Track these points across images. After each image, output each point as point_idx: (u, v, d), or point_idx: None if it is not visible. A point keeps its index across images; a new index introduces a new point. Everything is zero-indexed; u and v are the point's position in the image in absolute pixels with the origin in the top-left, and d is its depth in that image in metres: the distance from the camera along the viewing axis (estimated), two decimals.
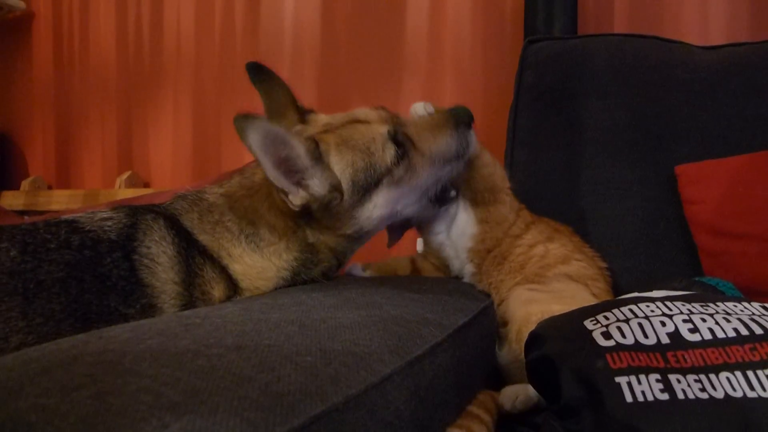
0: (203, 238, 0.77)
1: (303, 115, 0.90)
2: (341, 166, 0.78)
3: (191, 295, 0.72)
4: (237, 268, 0.77)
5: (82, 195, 2.16)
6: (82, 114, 2.47)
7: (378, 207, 0.81)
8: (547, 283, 0.89)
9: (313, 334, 0.52)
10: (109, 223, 0.73)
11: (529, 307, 0.84)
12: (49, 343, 0.48)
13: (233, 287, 0.77)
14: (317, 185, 0.76)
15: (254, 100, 2.21)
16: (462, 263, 1.00)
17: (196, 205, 0.80)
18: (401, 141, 0.82)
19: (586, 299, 0.86)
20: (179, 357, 0.43)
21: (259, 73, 0.92)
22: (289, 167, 0.75)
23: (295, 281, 0.81)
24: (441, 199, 0.93)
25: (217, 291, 0.75)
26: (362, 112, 0.86)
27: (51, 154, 2.58)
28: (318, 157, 0.76)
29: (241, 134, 0.68)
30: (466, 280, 1.00)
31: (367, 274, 1.02)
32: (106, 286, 0.66)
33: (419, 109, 0.93)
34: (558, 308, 0.79)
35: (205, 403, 0.37)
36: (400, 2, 1.75)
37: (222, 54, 2.09)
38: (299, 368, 0.44)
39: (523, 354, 0.78)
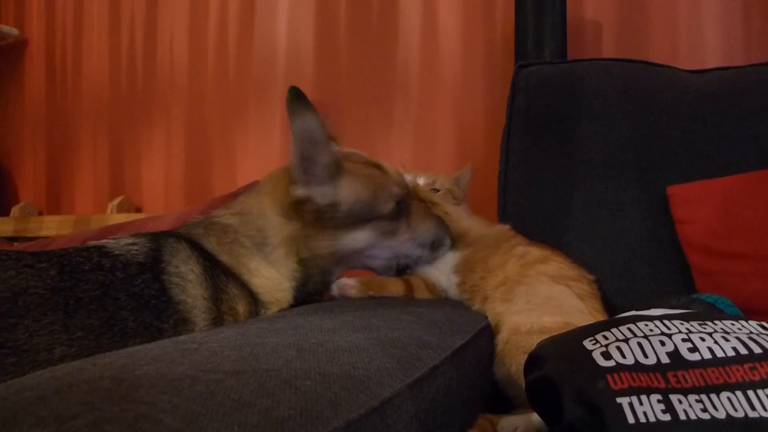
0: (224, 258, 0.83)
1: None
2: (348, 192, 0.87)
3: (219, 311, 0.77)
4: (256, 282, 0.83)
5: (73, 220, 2.15)
6: (73, 139, 2.47)
7: (357, 241, 0.90)
8: (530, 285, 0.89)
9: (312, 358, 0.52)
10: (136, 247, 0.77)
11: (517, 317, 0.84)
12: (42, 371, 0.47)
13: (255, 303, 0.82)
14: (319, 195, 0.85)
15: (247, 125, 2.22)
16: (447, 278, 1.01)
17: (211, 229, 0.86)
18: (401, 208, 0.94)
19: (573, 305, 0.86)
20: (177, 383, 0.42)
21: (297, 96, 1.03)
22: (307, 166, 0.84)
23: (302, 295, 0.87)
24: (405, 266, 1.00)
25: (241, 307, 0.80)
26: (386, 165, 0.97)
27: (41, 180, 2.57)
28: (334, 174, 0.86)
29: (293, 115, 0.79)
30: (452, 292, 1.00)
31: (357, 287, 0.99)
32: (140, 304, 0.71)
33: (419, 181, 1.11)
34: (548, 320, 0.79)
35: (206, 429, 0.36)
36: (392, 28, 1.78)
37: (215, 79, 2.11)
38: (299, 393, 0.43)
39: (513, 366, 0.78)
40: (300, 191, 0.85)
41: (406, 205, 0.95)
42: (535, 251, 0.97)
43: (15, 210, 2.41)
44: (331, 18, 1.88)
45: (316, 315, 0.74)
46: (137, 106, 2.29)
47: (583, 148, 1.17)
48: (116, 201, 2.13)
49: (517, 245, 1.00)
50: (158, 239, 0.80)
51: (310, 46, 1.91)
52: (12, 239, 2.23)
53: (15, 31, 2.62)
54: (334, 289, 0.96)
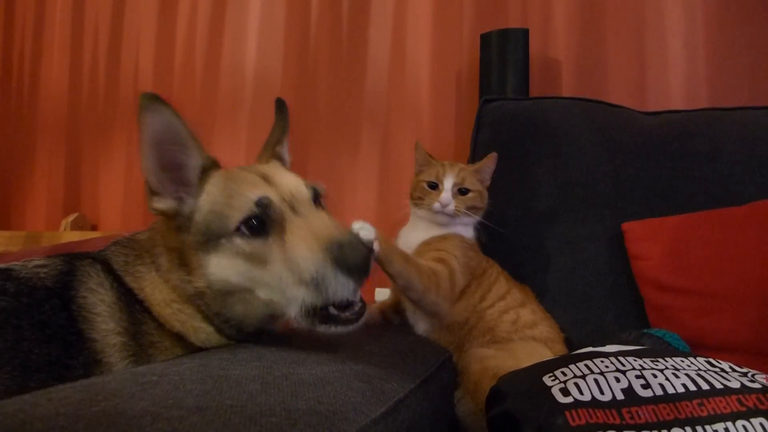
0: (128, 280, 0.72)
1: (268, 159, 0.86)
2: (205, 198, 0.70)
3: (139, 344, 0.68)
4: (166, 313, 0.71)
5: (23, 237, 2.06)
6: (27, 152, 2.39)
7: (223, 268, 0.68)
8: (518, 343, 0.92)
9: (277, 393, 0.51)
10: (45, 270, 0.68)
11: (485, 362, 0.86)
12: None
13: (177, 335, 0.72)
14: (188, 204, 0.71)
15: (212, 143, 2.19)
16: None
17: (125, 248, 0.76)
18: (270, 218, 0.67)
19: (544, 355, 0.88)
20: (138, 421, 0.41)
21: (280, 107, 0.94)
22: (179, 176, 0.70)
23: (223, 333, 0.74)
24: (329, 317, 0.65)
25: (167, 339, 0.70)
26: (277, 170, 0.75)
27: None
28: (204, 178, 0.71)
29: (140, 113, 0.66)
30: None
31: None
32: (46, 335, 0.63)
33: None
34: (512, 364, 0.81)
35: None
36: (361, 57, 1.81)
37: (180, 96, 2.08)
38: (264, 431, 0.43)
39: (479, 406, 0.79)
40: (161, 204, 0.70)
41: (280, 218, 0.67)
42: (526, 316, 0.98)
43: None
44: (300, 44, 1.89)
45: (280, 344, 0.73)
46: (97, 120, 2.24)
47: (544, 183, 1.20)
48: (71, 218, 2.06)
49: (508, 310, 0.99)
50: (72, 261, 0.71)
51: (279, 69, 1.92)
52: None
53: None
54: None
